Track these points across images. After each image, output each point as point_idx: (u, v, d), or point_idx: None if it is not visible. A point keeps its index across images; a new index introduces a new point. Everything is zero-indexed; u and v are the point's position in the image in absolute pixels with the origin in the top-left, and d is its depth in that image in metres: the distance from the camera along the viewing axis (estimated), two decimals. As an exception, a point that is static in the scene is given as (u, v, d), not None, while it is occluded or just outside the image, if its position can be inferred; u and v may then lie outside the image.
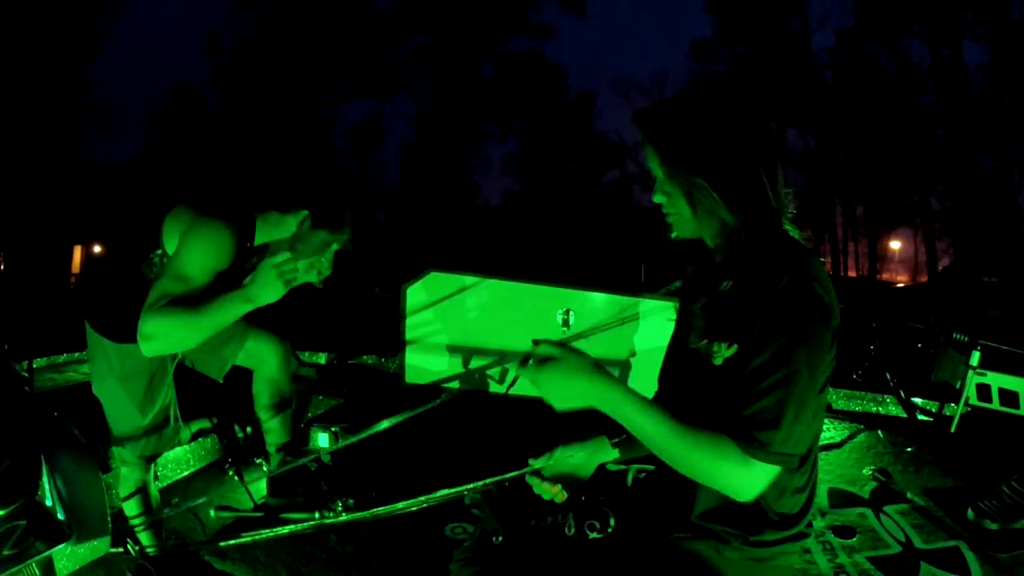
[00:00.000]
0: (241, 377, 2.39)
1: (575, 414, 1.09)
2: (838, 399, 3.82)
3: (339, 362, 4.49)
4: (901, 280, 30.08)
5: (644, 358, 3.41)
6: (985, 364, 3.07)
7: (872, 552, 2.24)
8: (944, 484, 2.70)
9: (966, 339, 3.19)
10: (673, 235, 1.19)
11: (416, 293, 3.63)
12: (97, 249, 21.88)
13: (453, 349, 3.64)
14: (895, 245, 31.98)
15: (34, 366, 3.51)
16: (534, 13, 32.07)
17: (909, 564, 2.18)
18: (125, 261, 1.96)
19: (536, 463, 1.28)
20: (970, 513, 2.37)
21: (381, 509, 1.52)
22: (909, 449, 3.04)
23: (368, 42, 29.25)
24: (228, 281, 1.80)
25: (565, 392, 1.06)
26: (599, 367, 1.07)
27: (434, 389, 3.61)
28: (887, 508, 2.51)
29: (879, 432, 3.23)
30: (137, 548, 2.08)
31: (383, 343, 4.27)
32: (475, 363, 3.58)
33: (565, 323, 3.32)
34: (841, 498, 2.62)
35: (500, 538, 1.23)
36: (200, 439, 2.97)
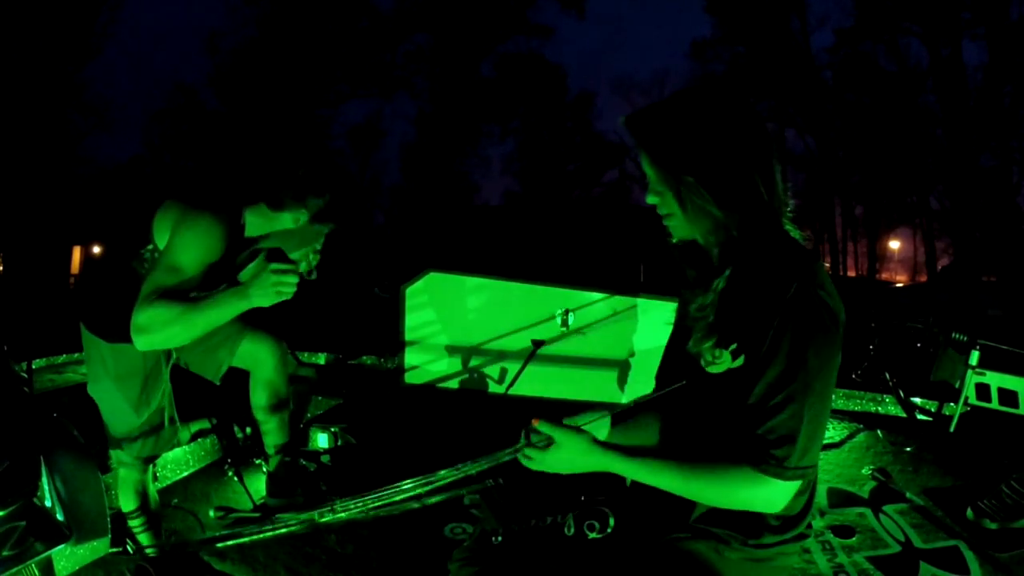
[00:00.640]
0: (240, 378, 2.39)
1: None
2: (837, 399, 3.82)
3: (339, 362, 4.49)
4: (900, 280, 30.08)
5: (643, 358, 3.41)
6: (984, 364, 3.07)
7: (871, 552, 2.24)
8: (943, 484, 2.70)
9: (965, 339, 3.19)
10: (674, 239, 1.19)
11: (416, 293, 3.63)
12: (96, 250, 21.87)
13: (452, 349, 3.64)
14: (894, 245, 32.01)
15: (33, 367, 3.51)
16: (534, 13, 32.10)
17: (908, 564, 2.18)
18: (117, 259, 1.96)
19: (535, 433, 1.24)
20: (969, 513, 2.38)
21: (374, 501, 1.52)
22: (908, 449, 3.04)
23: (368, 42, 29.24)
24: (220, 274, 1.80)
25: (567, 468, 1.11)
26: (597, 442, 1.10)
27: (433, 388, 3.61)
28: (886, 508, 2.51)
29: (878, 432, 3.23)
30: (136, 548, 2.08)
31: (383, 343, 4.27)
32: (474, 363, 3.59)
33: (564, 323, 3.32)
34: (840, 498, 2.62)
35: (499, 538, 1.23)
36: (199, 440, 2.97)
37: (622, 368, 3.43)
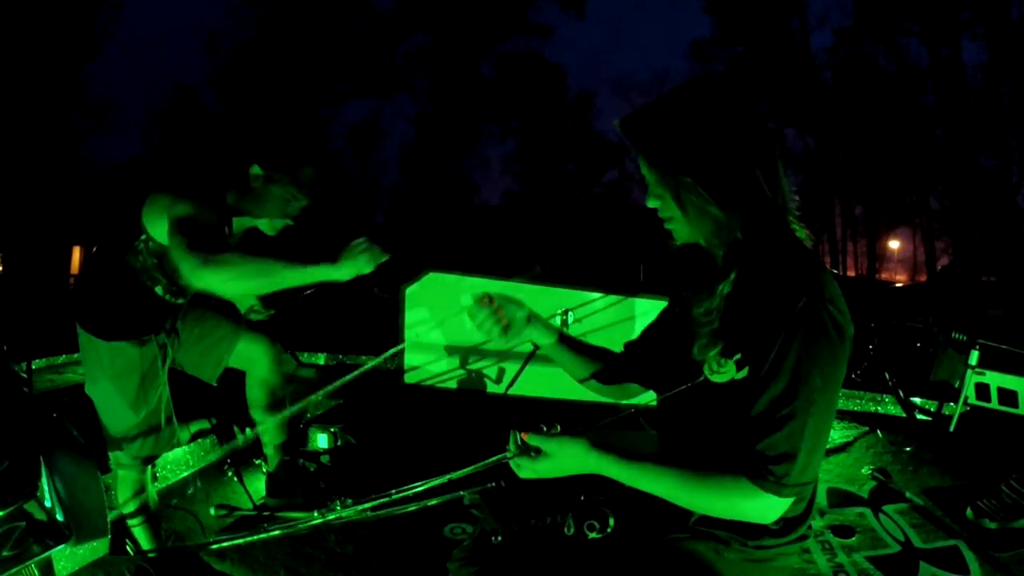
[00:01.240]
0: (240, 377, 2.39)
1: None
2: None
3: (338, 362, 4.50)
4: (900, 279, 30.07)
5: (643, 358, 3.41)
6: (984, 363, 3.07)
7: (871, 552, 2.24)
8: (943, 483, 2.69)
9: (965, 338, 3.19)
10: (676, 243, 1.16)
11: (415, 293, 3.63)
12: (93, 249, 21.80)
13: (452, 349, 3.64)
14: (894, 244, 32.03)
15: (33, 367, 3.51)
16: (533, 13, 32.12)
17: (908, 564, 2.18)
18: (111, 255, 1.97)
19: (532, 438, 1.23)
20: (969, 512, 2.37)
21: (373, 503, 1.52)
22: (908, 448, 3.04)
23: (368, 42, 29.24)
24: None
25: (559, 474, 1.09)
26: (593, 445, 1.07)
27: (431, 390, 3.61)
28: (886, 508, 2.51)
29: (878, 432, 3.23)
30: (136, 548, 2.08)
31: (382, 343, 4.26)
32: (474, 363, 3.59)
33: (564, 323, 3.32)
34: (840, 498, 2.62)
35: (499, 538, 1.23)
36: (199, 440, 2.97)
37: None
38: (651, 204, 1.13)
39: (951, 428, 3.13)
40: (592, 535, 1.17)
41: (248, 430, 2.91)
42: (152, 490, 2.15)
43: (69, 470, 1.45)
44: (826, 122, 28.85)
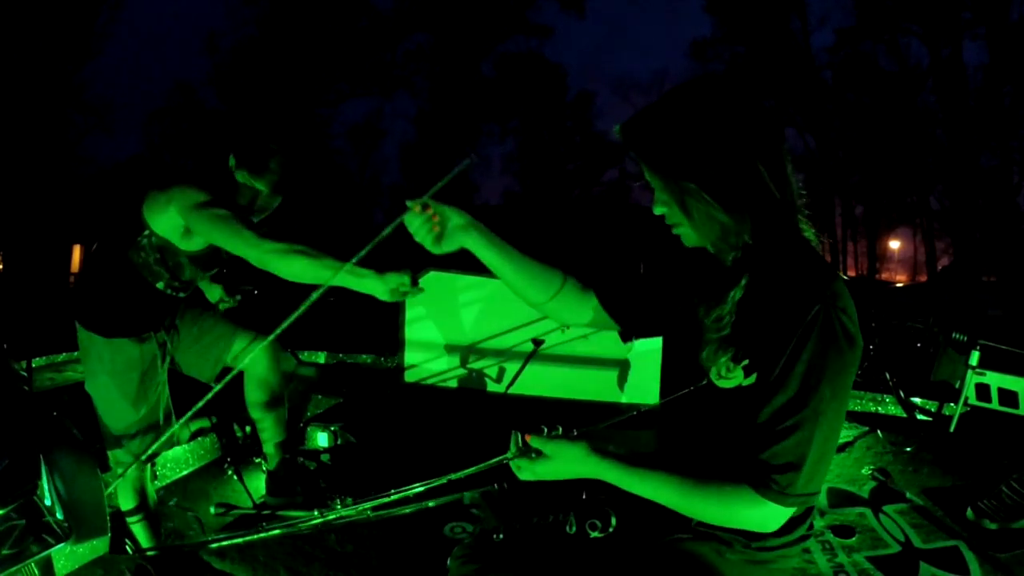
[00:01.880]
0: (239, 376, 2.39)
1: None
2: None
3: (338, 362, 4.50)
4: (900, 280, 30.05)
5: (643, 358, 3.40)
6: (984, 364, 3.07)
7: (871, 552, 2.24)
8: (943, 484, 2.69)
9: (965, 339, 3.19)
10: (687, 245, 1.13)
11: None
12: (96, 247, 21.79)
13: (452, 348, 3.64)
14: (894, 245, 32.01)
15: (33, 365, 3.51)
16: (533, 13, 32.09)
17: (908, 564, 2.18)
18: (113, 252, 1.97)
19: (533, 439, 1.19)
20: (969, 513, 2.37)
21: (374, 502, 1.52)
22: (908, 449, 3.04)
23: (368, 42, 29.23)
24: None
25: (560, 477, 1.09)
26: (594, 450, 1.06)
27: (433, 391, 3.61)
28: (886, 508, 2.51)
29: (878, 432, 3.23)
30: (136, 548, 2.08)
31: (382, 342, 4.27)
32: (474, 362, 3.58)
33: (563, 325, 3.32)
34: (840, 498, 2.62)
35: (500, 536, 1.23)
36: (199, 439, 2.97)
37: (622, 368, 3.43)
38: (657, 211, 1.10)
39: (951, 428, 3.13)
40: (594, 534, 1.17)
41: (248, 428, 2.92)
42: (152, 489, 2.15)
43: (69, 469, 1.45)
44: (826, 122, 28.84)
